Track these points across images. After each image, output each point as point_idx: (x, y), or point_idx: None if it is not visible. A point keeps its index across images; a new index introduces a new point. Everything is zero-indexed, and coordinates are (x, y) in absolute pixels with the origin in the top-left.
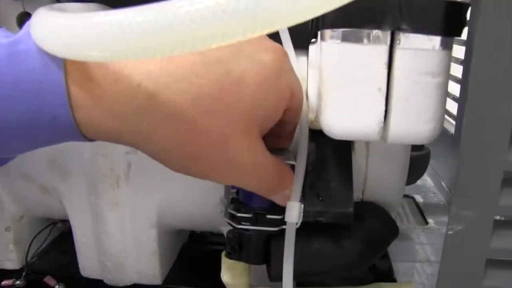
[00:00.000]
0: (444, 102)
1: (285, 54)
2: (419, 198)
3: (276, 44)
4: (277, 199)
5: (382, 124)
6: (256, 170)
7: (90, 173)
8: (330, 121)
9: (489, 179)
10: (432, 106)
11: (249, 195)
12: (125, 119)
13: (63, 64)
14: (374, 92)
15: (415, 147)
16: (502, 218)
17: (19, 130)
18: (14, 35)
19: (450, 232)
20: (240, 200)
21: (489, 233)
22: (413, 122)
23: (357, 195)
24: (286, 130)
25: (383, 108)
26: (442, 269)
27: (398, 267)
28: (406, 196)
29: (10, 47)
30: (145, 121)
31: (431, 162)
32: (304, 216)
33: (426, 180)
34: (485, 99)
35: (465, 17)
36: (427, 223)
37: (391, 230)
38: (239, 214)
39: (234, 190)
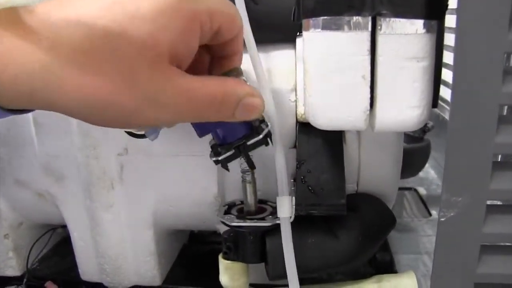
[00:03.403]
0: (431, 86)
1: None
2: (422, 190)
3: None
4: (242, 115)
5: (368, 112)
6: (187, 98)
7: (84, 176)
8: (315, 112)
9: (479, 163)
10: (419, 91)
11: (221, 134)
12: (32, 77)
13: None
14: (358, 80)
15: (415, 139)
16: (495, 203)
17: None
18: None
19: (442, 219)
20: (217, 144)
21: (482, 218)
22: (400, 108)
23: (351, 187)
24: (231, 47)
25: (368, 95)
26: (437, 257)
27: (402, 259)
28: (409, 188)
29: None
30: (52, 75)
31: (434, 154)
32: (296, 210)
33: (429, 172)
34: (471, 83)
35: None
36: (430, 214)
37: (388, 220)
38: (221, 157)
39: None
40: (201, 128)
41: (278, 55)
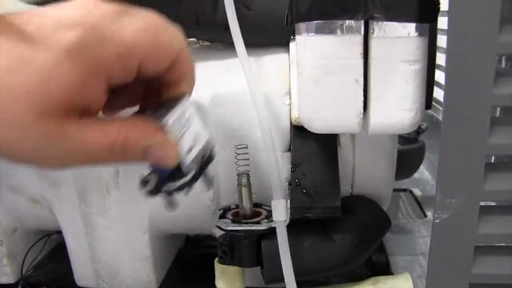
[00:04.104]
0: (424, 89)
1: (91, 29)
2: (417, 192)
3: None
4: (153, 161)
5: (361, 115)
6: (80, 149)
7: (79, 181)
8: (309, 115)
9: (472, 165)
10: (412, 94)
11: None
12: None
13: None
14: (351, 83)
15: (410, 141)
16: (489, 203)
17: None
18: None
19: (437, 221)
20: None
21: (476, 219)
22: (393, 111)
23: (346, 189)
24: (170, 75)
25: (362, 99)
26: (432, 258)
27: (398, 260)
28: (404, 190)
29: None
30: None
31: (428, 155)
32: (291, 213)
33: (424, 173)
34: (463, 85)
35: (438, 2)
36: (425, 216)
37: (383, 222)
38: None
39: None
40: None
41: (271, 59)
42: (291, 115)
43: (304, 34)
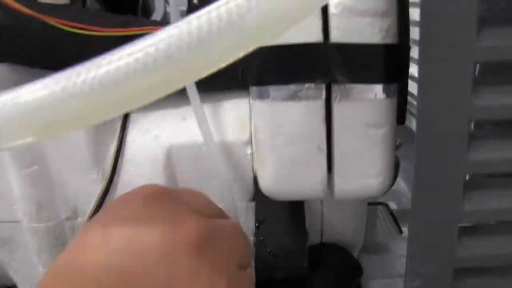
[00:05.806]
0: (392, 151)
1: None
2: (393, 205)
3: None
4: None
5: (325, 183)
6: None
7: (34, 242)
8: (270, 183)
9: (450, 184)
10: (379, 159)
11: None
12: None
13: None
14: (313, 151)
15: None
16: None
17: None
18: None
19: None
20: None
21: (455, 241)
22: (360, 177)
23: (315, 238)
24: None
25: (325, 167)
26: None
27: (375, 285)
28: (380, 203)
29: None
30: None
31: (404, 165)
32: (256, 274)
33: (400, 184)
34: (437, 98)
35: (407, 60)
36: (401, 232)
37: (354, 270)
38: None
39: None
40: None
41: (231, 104)
42: (254, 166)
43: (258, 100)
